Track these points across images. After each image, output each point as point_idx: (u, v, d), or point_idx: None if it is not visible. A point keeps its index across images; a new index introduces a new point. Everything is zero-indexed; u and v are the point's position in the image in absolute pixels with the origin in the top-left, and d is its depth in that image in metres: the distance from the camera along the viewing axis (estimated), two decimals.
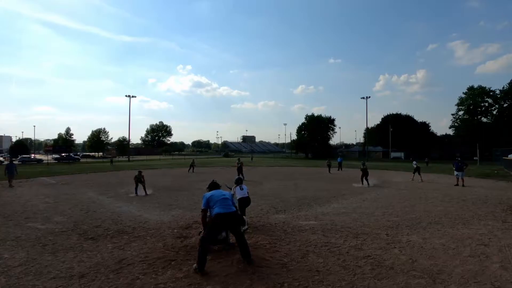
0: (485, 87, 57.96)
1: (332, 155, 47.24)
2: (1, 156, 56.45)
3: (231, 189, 6.92)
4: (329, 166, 24.65)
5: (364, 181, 15.07)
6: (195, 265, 4.23)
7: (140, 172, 12.66)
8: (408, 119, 65.31)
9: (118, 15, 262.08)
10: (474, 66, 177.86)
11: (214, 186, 5.12)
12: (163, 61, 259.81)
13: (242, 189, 6.87)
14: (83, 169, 29.55)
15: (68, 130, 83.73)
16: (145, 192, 12.24)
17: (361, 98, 59.68)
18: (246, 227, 6.38)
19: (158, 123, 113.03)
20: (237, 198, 6.66)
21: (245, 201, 6.77)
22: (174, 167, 32.57)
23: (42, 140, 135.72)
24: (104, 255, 4.92)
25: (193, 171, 24.68)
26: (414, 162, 18.47)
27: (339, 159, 27.75)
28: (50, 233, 6.35)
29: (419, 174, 17.62)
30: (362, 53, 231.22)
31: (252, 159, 56.28)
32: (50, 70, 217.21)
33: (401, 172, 23.65)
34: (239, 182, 7.04)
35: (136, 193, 12.09)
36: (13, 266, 4.44)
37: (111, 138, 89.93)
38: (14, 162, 18.08)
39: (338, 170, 25.69)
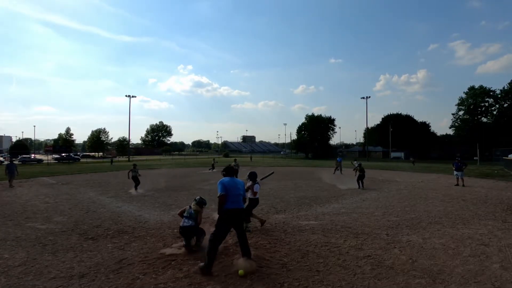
0: (486, 87, 58.06)
1: (333, 155, 47.20)
2: (1, 156, 56.39)
3: (256, 182, 6.49)
4: (340, 168, 24.71)
5: (359, 183, 13.68)
6: (201, 264, 4.17)
7: (135, 166, 12.78)
8: (408, 119, 65.31)
9: (118, 15, 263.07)
10: (475, 66, 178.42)
11: (230, 171, 4.74)
12: (164, 61, 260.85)
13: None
14: (83, 169, 29.54)
15: (68, 130, 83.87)
16: (136, 188, 12.70)
17: (361, 98, 60.00)
18: (250, 226, 6.35)
19: (158, 123, 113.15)
20: (254, 197, 6.47)
21: (257, 202, 6.64)
22: (174, 167, 32.59)
23: (42, 140, 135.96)
24: (104, 255, 4.92)
25: (211, 170, 26.49)
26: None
27: (338, 159, 27.75)
28: (50, 233, 6.35)
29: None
30: (362, 53, 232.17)
31: (251, 159, 56.35)
32: (50, 70, 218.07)
33: (401, 172, 23.61)
34: (254, 177, 6.47)
35: (136, 189, 12.54)
36: (13, 266, 4.44)
37: (111, 138, 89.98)
38: (14, 162, 18.08)
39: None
